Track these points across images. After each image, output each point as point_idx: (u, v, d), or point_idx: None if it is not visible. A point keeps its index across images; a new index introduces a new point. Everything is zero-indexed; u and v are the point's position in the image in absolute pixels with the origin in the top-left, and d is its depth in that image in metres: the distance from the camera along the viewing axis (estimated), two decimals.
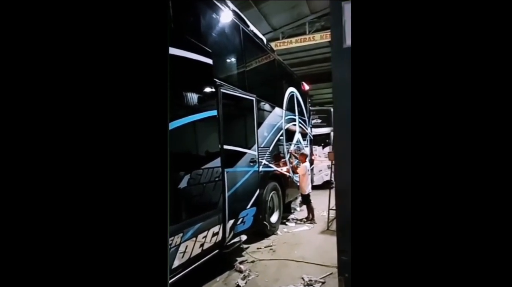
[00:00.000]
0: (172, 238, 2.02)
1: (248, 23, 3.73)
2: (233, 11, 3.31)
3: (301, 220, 4.65)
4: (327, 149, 8.06)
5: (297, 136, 5.42)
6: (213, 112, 2.52)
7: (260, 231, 3.70)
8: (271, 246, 3.48)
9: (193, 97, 2.35)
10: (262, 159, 3.69)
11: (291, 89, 5.27)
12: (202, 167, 2.33)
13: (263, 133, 3.85)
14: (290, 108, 5.15)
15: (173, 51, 2.07)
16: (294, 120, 5.31)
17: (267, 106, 4.06)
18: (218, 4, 2.94)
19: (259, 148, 3.55)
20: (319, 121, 8.54)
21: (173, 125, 1.99)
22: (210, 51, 2.51)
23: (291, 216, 4.89)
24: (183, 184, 2.08)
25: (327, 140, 8.28)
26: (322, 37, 8.84)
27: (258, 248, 3.42)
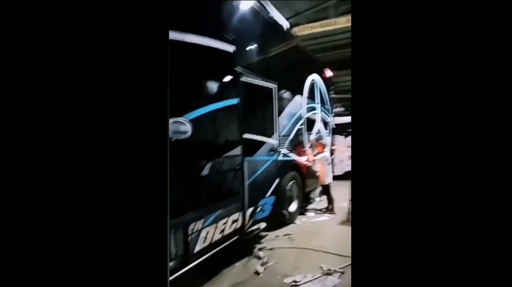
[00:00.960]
0: (194, 223, 2.09)
1: (270, 9, 3.63)
2: None
3: (320, 210, 4.62)
4: (350, 138, 7.84)
5: (318, 125, 5.30)
6: (234, 101, 2.52)
7: (279, 219, 3.73)
8: (289, 234, 3.51)
9: (214, 86, 2.35)
10: (282, 148, 3.67)
11: (313, 76, 5.12)
12: (223, 156, 2.36)
13: (283, 121, 3.80)
14: (311, 96, 5.03)
15: (194, 39, 2.07)
16: (315, 108, 5.19)
17: (287, 94, 3.99)
18: None
19: (279, 137, 3.53)
20: (342, 109, 8.27)
21: (195, 114, 2.01)
22: (231, 39, 2.48)
23: (311, 206, 4.87)
24: (205, 171, 2.12)
25: (349, 130, 8.04)
26: (347, 21, 8.43)
27: (276, 236, 3.47)
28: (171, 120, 1.79)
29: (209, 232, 2.26)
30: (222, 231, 2.44)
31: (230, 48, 2.48)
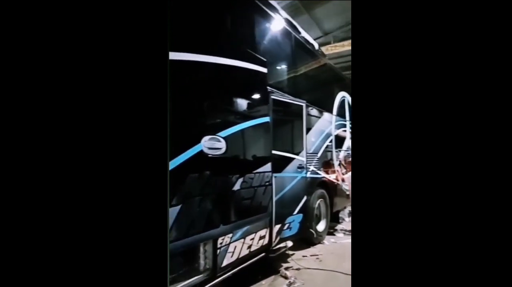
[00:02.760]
0: (223, 237, 2.13)
1: (300, 29, 3.75)
2: (286, 19, 3.37)
3: (350, 231, 4.44)
4: None
5: (348, 142, 5.20)
6: (265, 119, 2.59)
7: (306, 238, 3.64)
8: (317, 255, 3.40)
9: (247, 105, 2.46)
10: (310, 165, 3.64)
11: (342, 93, 5.10)
12: (254, 172, 2.42)
13: (312, 139, 3.80)
14: (341, 114, 4.98)
15: (231, 62, 2.21)
16: (344, 125, 5.12)
17: (316, 112, 4.01)
18: (272, 14, 3.02)
19: (307, 154, 3.52)
20: None
21: (229, 131, 2.11)
22: (265, 60, 2.60)
23: (340, 226, 4.70)
24: (236, 187, 2.18)
25: None
26: None
27: (303, 256, 3.37)
28: (207, 137, 1.90)
29: (237, 247, 2.28)
30: (249, 247, 2.44)
31: (262, 69, 2.59)
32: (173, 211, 1.62)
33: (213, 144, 1.92)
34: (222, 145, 1.99)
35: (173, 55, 1.75)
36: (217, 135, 1.98)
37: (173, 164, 1.65)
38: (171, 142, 1.77)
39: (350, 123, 5.36)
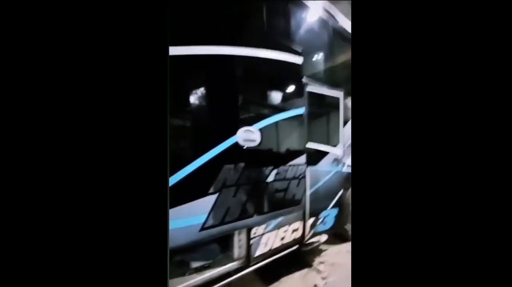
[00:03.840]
0: (256, 228, 2.17)
1: (339, 17, 3.57)
2: (323, 8, 3.24)
3: None
4: None
5: None
6: (300, 110, 2.55)
7: (341, 234, 3.55)
8: None
9: (281, 96, 2.44)
10: (347, 159, 3.51)
11: None
12: (288, 164, 2.41)
13: (349, 131, 3.65)
14: None
15: (265, 53, 2.20)
16: None
17: None
18: (308, 3, 2.93)
19: (344, 148, 3.39)
20: None
21: (264, 123, 2.12)
22: (300, 50, 2.54)
23: None
24: (270, 178, 2.20)
25: None
26: None
27: (338, 252, 3.30)
28: (242, 129, 1.93)
29: (270, 238, 2.31)
30: (282, 238, 2.46)
31: (298, 60, 2.53)
32: (210, 199, 1.69)
33: (248, 136, 1.95)
34: (257, 137, 2.00)
35: (207, 50, 1.79)
36: (252, 127, 2.00)
37: (209, 155, 1.71)
38: (207, 133, 1.84)
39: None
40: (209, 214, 1.69)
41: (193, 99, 1.81)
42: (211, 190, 1.70)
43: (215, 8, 1.93)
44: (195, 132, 1.86)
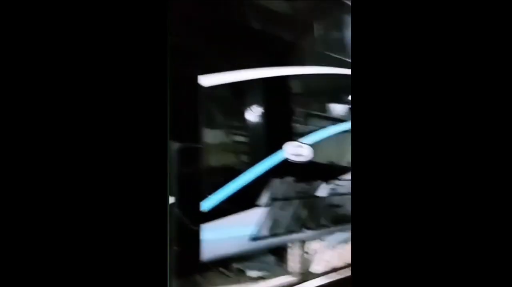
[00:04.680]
0: (310, 242, 2.16)
1: None
2: None
3: None
4: None
5: None
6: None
7: None
8: None
9: (333, 110, 2.42)
10: None
11: None
12: (341, 178, 2.34)
13: None
14: None
15: (316, 69, 2.26)
16: None
17: None
18: None
19: None
20: None
21: (314, 137, 2.15)
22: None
23: None
24: (322, 193, 2.18)
25: None
26: None
27: None
28: (292, 143, 2.01)
29: (328, 255, 2.25)
30: (341, 256, 2.35)
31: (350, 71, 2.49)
32: (259, 212, 1.81)
33: (297, 151, 2.01)
34: (306, 151, 2.04)
35: (261, 73, 1.98)
36: (301, 142, 2.06)
37: (259, 168, 1.85)
38: (258, 148, 1.98)
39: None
40: (259, 225, 1.80)
41: (248, 116, 2.02)
42: (260, 203, 1.82)
43: (267, 32, 2.14)
44: (247, 147, 2.04)
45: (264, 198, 1.85)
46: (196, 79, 1.80)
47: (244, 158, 2.06)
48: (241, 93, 2.04)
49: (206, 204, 1.68)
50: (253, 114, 2.03)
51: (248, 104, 2.02)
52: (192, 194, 1.70)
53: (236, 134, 2.16)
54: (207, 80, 1.80)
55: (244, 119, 2.03)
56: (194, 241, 1.65)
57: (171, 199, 1.67)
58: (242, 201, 1.78)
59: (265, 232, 1.82)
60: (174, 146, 1.71)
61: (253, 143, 2.05)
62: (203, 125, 1.83)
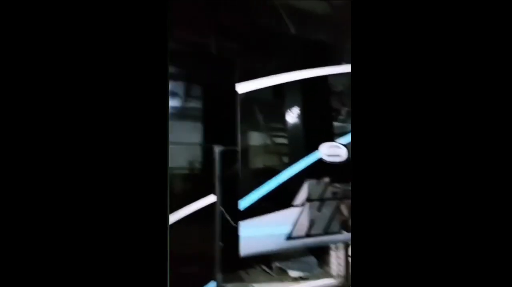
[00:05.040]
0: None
1: None
2: None
3: None
4: None
5: None
6: None
7: None
8: None
9: None
10: None
11: None
12: None
13: None
14: None
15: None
16: None
17: None
18: None
19: None
20: None
21: (349, 137, 2.09)
22: None
23: None
24: None
25: None
26: None
27: None
28: (327, 144, 1.99)
29: None
30: None
31: None
32: (294, 211, 1.84)
33: (333, 151, 1.98)
34: (343, 151, 1.99)
35: (301, 74, 2.05)
36: (338, 142, 2.02)
37: (294, 169, 1.89)
38: (294, 149, 2.01)
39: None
40: (294, 225, 1.83)
41: (288, 118, 2.09)
42: (295, 203, 1.85)
43: (304, 34, 2.19)
44: (286, 148, 2.10)
45: (300, 198, 1.87)
46: (234, 86, 1.94)
47: (283, 158, 2.12)
48: (280, 95, 2.12)
49: (244, 203, 1.79)
50: (293, 115, 2.09)
51: (287, 106, 2.09)
52: (232, 193, 1.84)
53: (276, 135, 2.25)
54: (245, 87, 1.93)
55: (283, 121, 2.10)
56: (233, 237, 1.78)
57: (214, 198, 1.85)
58: (279, 200, 1.84)
59: (300, 232, 1.84)
60: (216, 149, 1.88)
61: (292, 144, 2.11)
62: (244, 128, 1.96)
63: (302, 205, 1.86)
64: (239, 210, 1.79)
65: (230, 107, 1.93)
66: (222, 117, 2.07)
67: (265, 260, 2.20)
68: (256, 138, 2.23)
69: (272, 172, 1.91)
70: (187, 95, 2.29)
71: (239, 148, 1.89)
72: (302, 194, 1.88)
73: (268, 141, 2.27)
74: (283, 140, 2.19)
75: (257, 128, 2.23)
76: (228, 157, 1.89)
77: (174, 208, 1.72)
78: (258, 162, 2.20)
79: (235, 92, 1.93)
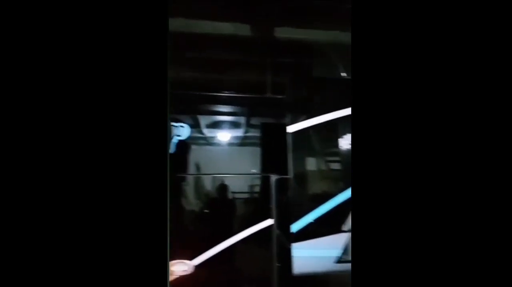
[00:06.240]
0: None
1: None
2: None
3: None
4: None
5: None
6: None
7: None
8: None
9: None
10: None
11: None
12: None
13: None
14: None
15: None
16: None
17: None
18: None
19: None
20: None
21: None
22: None
23: None
24: None
25: None
26: None
27: None
28: None
29: None
30: None
31: None
32: (344, 236, 1.96)
33: None
34: None
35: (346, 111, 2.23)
36: None
37: (344, 195, 2.04)
38: (347, 175, 2.13)
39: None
40: (343, 249, 1.94)
41: (340, 144, 2.26)
42: (344, 228, 1.97)
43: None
44: (338, 173, 2.25)
45: (349, 223, 1.99)
46: (285, 125, 2.22)
47: (336, 184, 2.28)
48: (333, 126, 2.31)
49: (296, 226, 2.01)
50: (345, 142, 2.25)
51: (341, 133, 2.26)
52: (286, 217, 2.08)
53: (330, 161, 2.41)
54: (296, 127, 2.19)
55: (336, 147, 2.26)
56: (288, 258, 2.00)
57: (271, 221, 2.11)
58: (328, 225, 2.00)
59: (349, 256, 1.94)
60: (272, 178, 2.18)
61: (344, 169, 2.26)
62: (298, 156, 2.20)
63: (350, 230, 1.98)
64: (292, 233, 2.01)
65: (282, 143, 2.21)
66: (276, 148, 2.35)
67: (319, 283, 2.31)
68: (311, 164, 2.43)
69: (326, 197, 2.09)
70: (246, 130, 2.69)
71: (291, 176, 2.14)
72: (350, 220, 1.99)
73: (323, 167, 2.44)
74: (336, 166, 2.35)
75: (312, 154, 2.44)
76: (282, 184, 2.16)
77: (236, 230, 2.05)
78: (313, 187, 2.39)
79: (285, 131, 2.21)
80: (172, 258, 1.74)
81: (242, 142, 2.61)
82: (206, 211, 2.35)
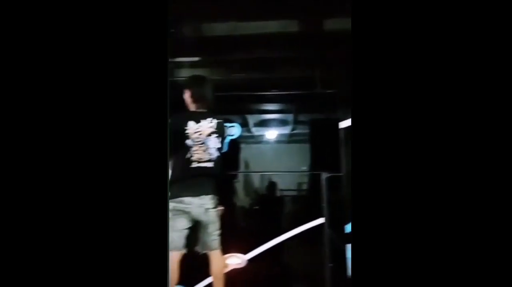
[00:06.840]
0: None
1: None
2: None
3: None
4: None
5: None
6: None
7: None
8: None
9: None
10: None
11: None
12: None
13: None
14: None
15: None
16: None
17: None
18: None
19: None
20: None
21: None
22: None
23: None
24: None
25: None
26: None
27: None
28: None
29: None
30: None
31: None
32: None
33: None
34: None
35: None
36: None
37: None
38: None
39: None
40: None
41: None
42: None
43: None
44: None
45: None
46: (337, 120, 2.13)
47: None
48: None
49: (349, 226, 1.92)
50: None
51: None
52: (338, 217, 2.01)
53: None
54: (349, 122, 2.10)
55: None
56: (342, 258, 1.93)
57: (322, 220, 2.06)
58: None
59: None
60: (323, 176, 2.11)
61: None
62: (348, 156, 2.11)
63: None
64: (346, 233, 1.93)
65: (334, 135, 2.13)
66: (327, 144, 2.28)
67: None
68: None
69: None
70: (294, 126, 2.65)
71: (343, 174, 2.05)
72: None
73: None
74: None
75: None
76: (334, 182, 2.08)
77: (287, 227, 2.06)
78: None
79: (338, 127, 2.12)
80: (227, 252, 1.81)
81: (295, 139, 2.58)
82: (256, 207, 2.42)
